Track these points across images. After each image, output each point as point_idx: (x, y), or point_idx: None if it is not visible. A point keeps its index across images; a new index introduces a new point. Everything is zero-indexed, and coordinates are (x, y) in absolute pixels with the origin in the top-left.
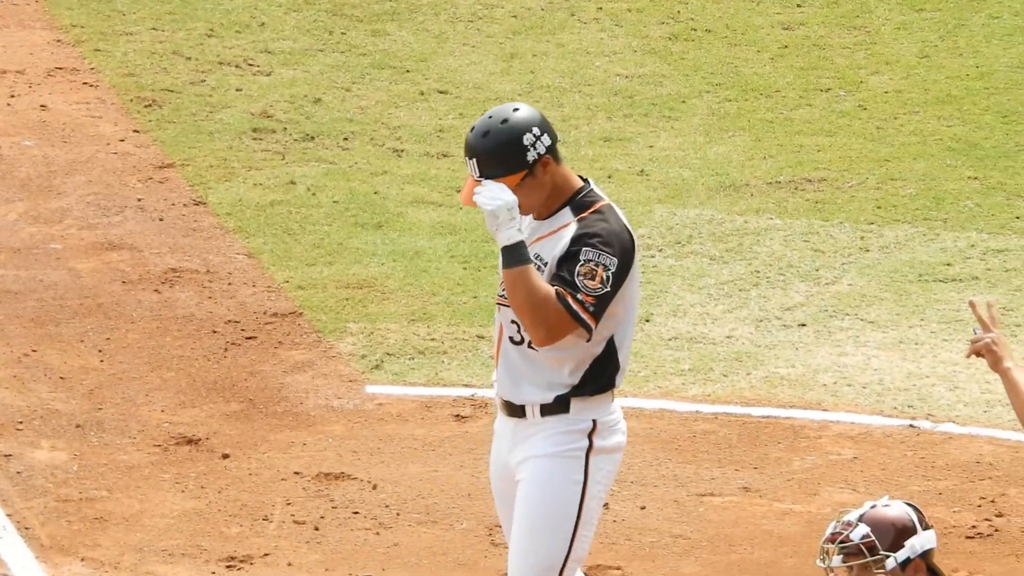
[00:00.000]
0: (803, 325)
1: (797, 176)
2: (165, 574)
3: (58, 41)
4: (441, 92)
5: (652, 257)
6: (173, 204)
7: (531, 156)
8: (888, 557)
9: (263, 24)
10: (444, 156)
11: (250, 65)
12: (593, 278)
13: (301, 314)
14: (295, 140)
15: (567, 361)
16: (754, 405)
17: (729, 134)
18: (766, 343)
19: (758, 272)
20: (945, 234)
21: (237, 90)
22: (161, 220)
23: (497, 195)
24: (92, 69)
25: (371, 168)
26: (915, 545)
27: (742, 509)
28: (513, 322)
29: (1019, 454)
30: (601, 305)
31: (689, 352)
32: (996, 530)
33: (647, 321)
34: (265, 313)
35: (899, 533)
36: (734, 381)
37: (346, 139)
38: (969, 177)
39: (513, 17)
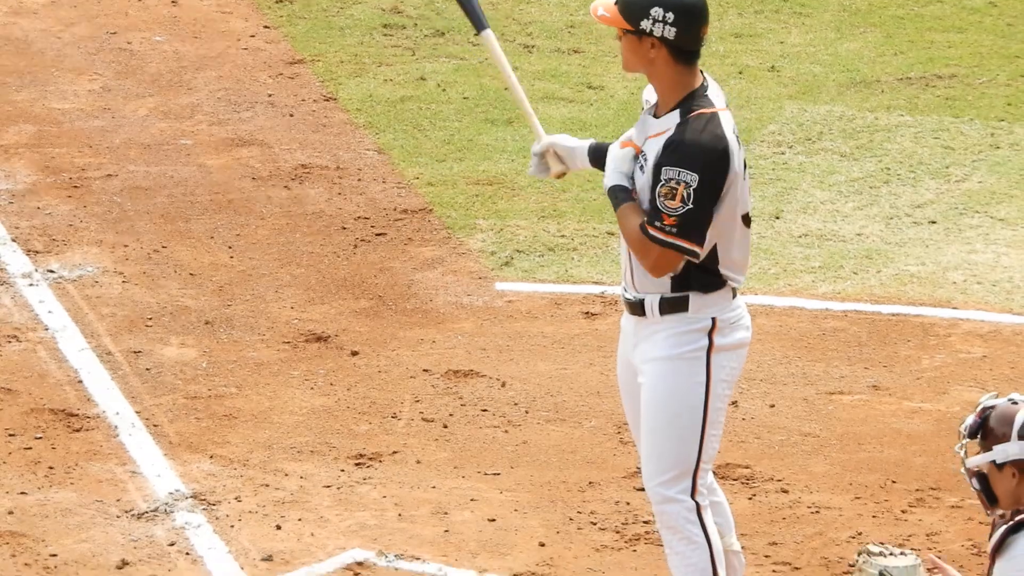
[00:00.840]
0: (933, 222)
1: (928, 72)
2: (294, 471)
3: None
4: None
5: (783, 153)
6: (303, 100)
7: (645, 25)
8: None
9: None
10: (575, 52)
11: None
12: (673, 197)
13: (431, 210)
14: (425, 36)
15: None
16: (884, 303)
17: (860, 30)
18: (896, 240)
19: (888, 169)
20: None
21: None
22: (291, 116)
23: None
24: None
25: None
26: (1000, 451)
27: (871, 407)
28: None
29: None
30: (687, 223)
31: (819, 249)
32: None
33: (777, 218)
34: (395, 209)
35: (994, 435)
36: (864, 278)
37: (476, 35)
38: None
39: None
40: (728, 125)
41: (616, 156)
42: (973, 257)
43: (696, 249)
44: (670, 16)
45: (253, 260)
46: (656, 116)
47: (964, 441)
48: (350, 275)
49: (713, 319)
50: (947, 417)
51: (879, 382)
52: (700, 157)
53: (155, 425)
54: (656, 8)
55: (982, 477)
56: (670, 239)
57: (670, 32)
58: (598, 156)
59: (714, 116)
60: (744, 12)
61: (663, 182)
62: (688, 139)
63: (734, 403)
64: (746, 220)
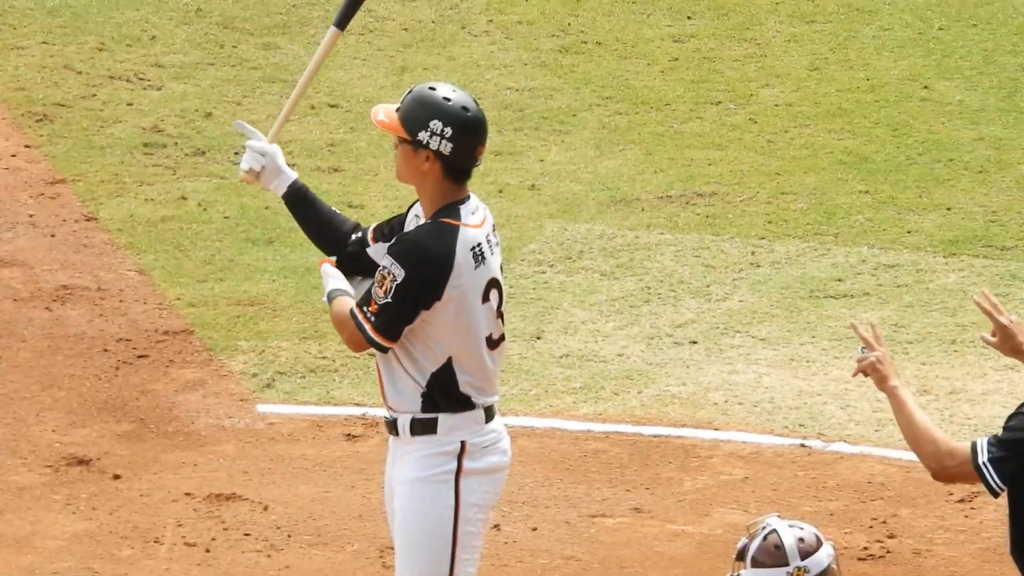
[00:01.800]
0: (694, 342)
1: (688, 190)
2: None
3: None
4: (332, 106)
5: (543, 273)
6: (64, 220)
7: (422, 137)
8: None
9: (154, 38)
10: (335, 171)
11: (141, 79)
12: (380, 286)
13: (192, 332)
14: (186, 155)
15: (410, 371)
16: (645, 424)
17: (620, 148)
18: (657, 360)
19: (649, 288)
20: (836, 249)
21: (128, 104)
22: (53, 236)
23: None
24: None
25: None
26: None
27: (634, 530)
28: None
29: (910, 474)
30: (384, 316)
31: (580, 370)
32: (888, 551)
33: (538, 339)
34: (156, 331)
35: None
36: (625, 399)
37: (237, 153)
38: (860, 191)
39: (404, 30)
40: (465, 242)
41: (329, 274)
42: (734, 377)
43: (382, 343)
44: (448, 131)
45: (14, 383)
46: None
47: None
48: (112, 397)
49: (462, 443)
50: (710, 540)
51: (641, 504)
52: (414, 257)
53: None
54: (435, 121)
55: None
56: (365, 324)
57: (446, 147)
58: (297, 196)
59: (453, 229)
60: (504, 129)
61: (380, 267)
62: (413, 237)
63: (496, 526)
64: (490, 342)
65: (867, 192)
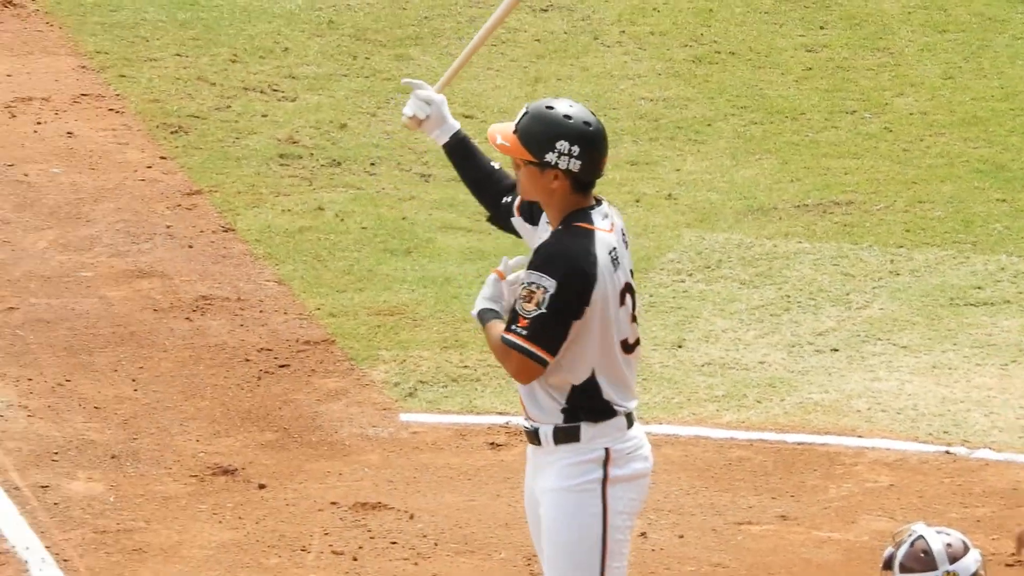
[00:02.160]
0: (835, 350)
1: (825, 199)
2: None
3: (83, 67)
4: (466, 116)
5: (682, 282)
6: (202, 231)
7: (549, 158)
8: None
9: (287, 49)
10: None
11: (275, 91)
12: (530, 300)
13: (333, 341)
14: (322, 166)
15: (551, 388)
16: (789, 431)
17: (756, 157)
18: (799, 368)
19: (788, 296)
20: (975, 257)
21: (263, 116)
22: (190, 247)
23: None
24: (117, 96)
25: (399, 193)
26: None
27: (780, 537)
28: None
29: None
30: (538, 327)
31: (722, 378)
32: None
33: (679, 347)
34: (297, 341)
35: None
36: (768, 407)
37: (373, 164)
38: (997, 199)
39: (537, 41)
40: (603, 245)
41: (486, 284)
42: (876, 385)
43: (544, 357)
44: (576, 149)
45: (157, 393)
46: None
47: None
48: (255, 407)
49: (606, 449)
50: (856, 547)
51: (787, 512)
52: (562, 266)
53: (65, 560)
54: (562, 142)
55: None
56: (518, 340)
57: (575, 165)
58: (459, 146)
59: (589, 233)
60: (639, 139)
61: (524, 285)
62: (555, 247)
63: (642, 534)
64: (626, 347)
65: (1004, 200)
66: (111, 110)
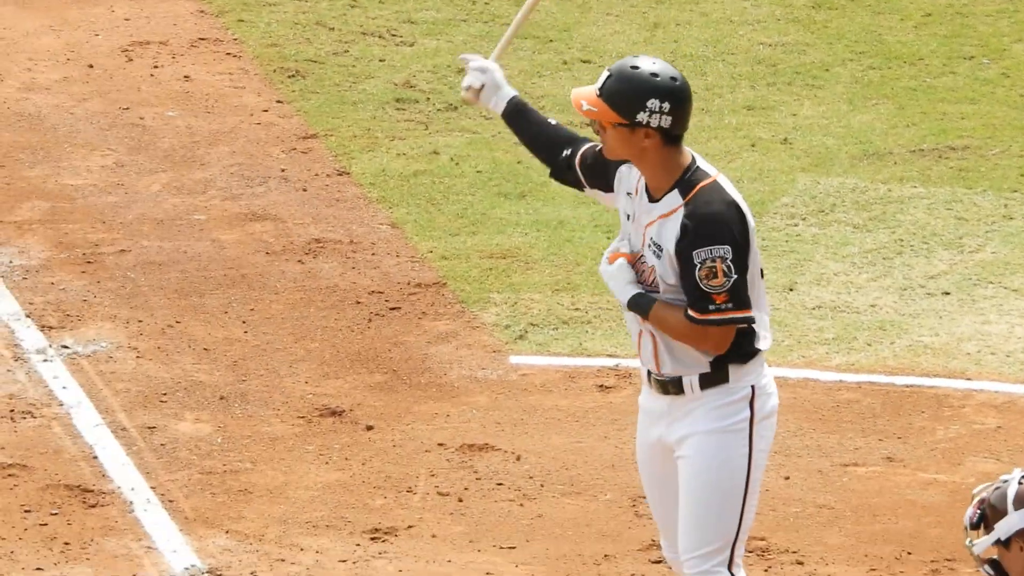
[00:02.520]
0: (947, 293)
1: (940, 144)
2: (310, 546)
3: (201, 12)
4: (584, 61)
5: (795, 226)
6: (316, 174)
7: (641, 117)
8: (971, 545)
9: None
10: (588, 125)
11: (393, 35)
12: (715, 275)
13: (445, 284)
14: (438, 110)
15: None
16: (898, 374)
17: (872, 102)
18: (910, 312)
19: (901, 240)
20: None
21: (380, 60)
22: (304, 190)
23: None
24: (235, 40)
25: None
26: (1002, 527)
27: (886, 479)
28: None
29: None
30: (736, 294)
31: (833, 321)
32: None
33: (791, 290)
34: (409, 283)
35: (993, 514)
36: (878, 350)
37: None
38: None
39: None
40: (730, 187)
41: (612, 274)
42: (987, 328)
43: (750, 315)
44: (666, 106)
45: (267, 335)
46: (652, 200)
47: (970, 535)
48: (364, 349)
49: (752, 387)
50: (962, 488)
51: (893, 454)
52: (725, 228)
53: (170, 500)
54: (653, 100)
55: (994, 564)
56: (728, 316)
57: (666, 121)
58: (515, 112)
59: (715, 184)
60: (756, 85)
61: (698, 265)
62: (706, 215)
63: None
64: (762, 273)
65: None
66: (228, 54)
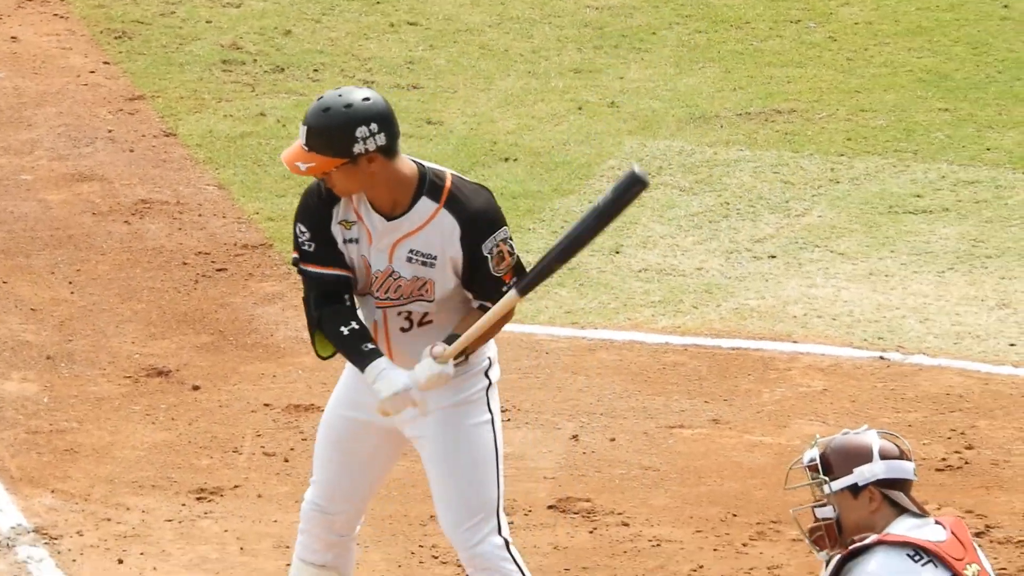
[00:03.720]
0: (773, 257)
1: (767, 107)
2: (136, 505)
3: None
4: (411, 24)
5: None
6: (143, 135)
7: (358, 148)
8: (825, 482)
9: None
10: (415, 88)
11: None
12: (503, 257)
13: (271, 246)
14: (265, 72)
15: (461, 312)
16: (724, 337)
17: (699, 65)
18: (736, 275)
19: (728, 204)
20: (915, 165)
21: (207, 22)
22: (131, 151)
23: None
24: (62, 1)
25: None
26: (864, 472)
27: (711, 441)
28: (400, 314)
29: (989, 386)
30: (521, 267)
31: (659, 284)
32: (966, 462)
33: (616, 253)
34: (235, 245)
35: (850, 459)
36: (704, 313)
37: (316, 71)
38: (939, 108)
39: None
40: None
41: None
42: (813, 291)
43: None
44: (374, 126)
45: (94, 295)
46: (392, 217)
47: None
48: (191, 310)
49: (489, 358)
50: (787, 450)
51: (719, 416)
52: (495, 211)
53: None
54: (361, 128)
55: (827, 527)
56: (523, 289)
57: (381, 139)
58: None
59: (457, 179)
60: (583, 47)
61: (489, 257)
62: (475, 207)
63: (574, 437)
64: None
65: (946, 110)
66: (56, 15)
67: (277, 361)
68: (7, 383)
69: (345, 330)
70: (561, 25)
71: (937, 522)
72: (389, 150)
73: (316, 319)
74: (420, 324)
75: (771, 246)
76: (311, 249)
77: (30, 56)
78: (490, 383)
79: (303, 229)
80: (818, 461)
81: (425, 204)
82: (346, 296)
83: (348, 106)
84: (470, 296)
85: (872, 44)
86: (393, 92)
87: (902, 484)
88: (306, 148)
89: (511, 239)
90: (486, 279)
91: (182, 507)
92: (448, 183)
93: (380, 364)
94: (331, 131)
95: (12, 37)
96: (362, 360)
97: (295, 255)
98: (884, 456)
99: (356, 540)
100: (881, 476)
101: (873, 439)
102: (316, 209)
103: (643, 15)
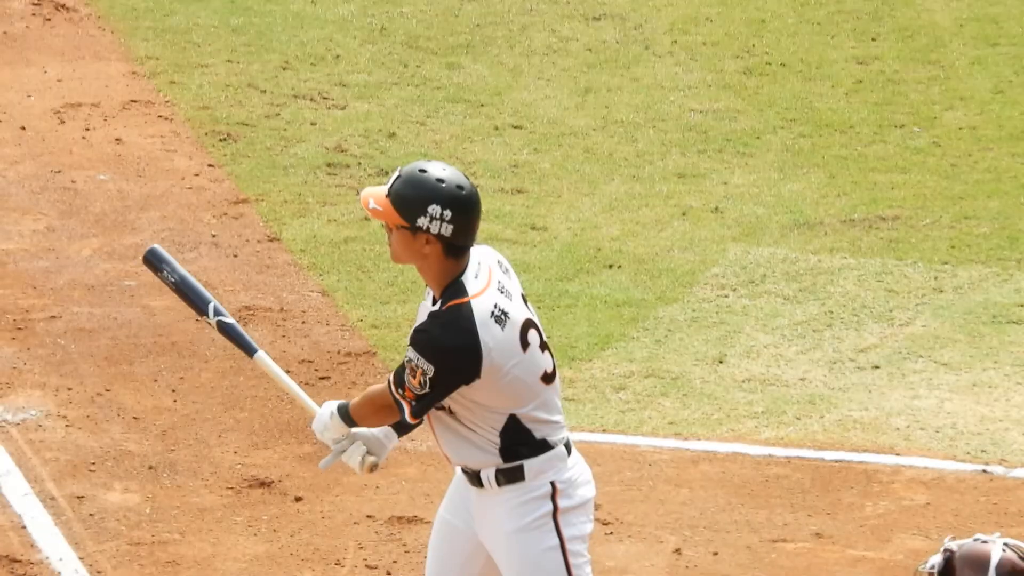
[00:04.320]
0: (876, 367)
1: (871, 214)
2: None
3: (133, 73)
4: (515, 127)
5: (726, 296)
6: (247, 240)
7: (421, 222)
8: None
9: (338, 57)
10: (518, 192)
11: (325, 98)
12: (414, 376)
13: (375, 354)
14: (369, 175)
15: (479, 430)
16: (827, 449)
17: (803, 171)
18: (839, 385)
19: (831, 312)
20: (1019, 275)
21: (312, 124)
22: (235, 256)
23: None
24: (167, 102)
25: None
26: None
27: (815, 555)
28: None
29: None
30: (423, 404)
31: (762, 394)
32: None
33: (720, 362)
34: (339, 352)
35: (966, 568)
36: (807, 424)
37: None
38: None
39: (588, 51)
40: (483, 313)
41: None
42: (916, 403)
43: (414, 424)
44: (448, 214)
45: (196, 404)
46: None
47: None
48: (294, 419)
49: (552, 483)
50: (890, 566)
51: (822, 530)
52: (437, 352)
53: (98, 572)
54: (434, 206)
55: None
56: (404, 405)
57: (447, 229)
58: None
59: (466, 307)
60: (687, 152)
61: (408, 359)
62: (431, 332)
63: (677, 551)
64: (546, 378)
65: None
66: (160, 116)
67: (380, 472)
68: (110, 493)
69: None
70: (665, 128)
71: None
72: (450, 245)
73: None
74: (447, 412)
75: (875, 356)
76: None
77: (134, 159)
78: (556, 508)
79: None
80: (936, 568)
81: (435, 303)
82: None
83: (440, 181)
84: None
85: (976, 150)
86: (497, 196)
87: None
88: (387, 193)
89: (436, 379)
90: (402, 366)
91: None
92: (452, 303)
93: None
94: (409, 190)
95: (117, 139)
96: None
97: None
98: (1001, 571)
99: None
100: None
101: (994, 551)
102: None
103: (747, 119)
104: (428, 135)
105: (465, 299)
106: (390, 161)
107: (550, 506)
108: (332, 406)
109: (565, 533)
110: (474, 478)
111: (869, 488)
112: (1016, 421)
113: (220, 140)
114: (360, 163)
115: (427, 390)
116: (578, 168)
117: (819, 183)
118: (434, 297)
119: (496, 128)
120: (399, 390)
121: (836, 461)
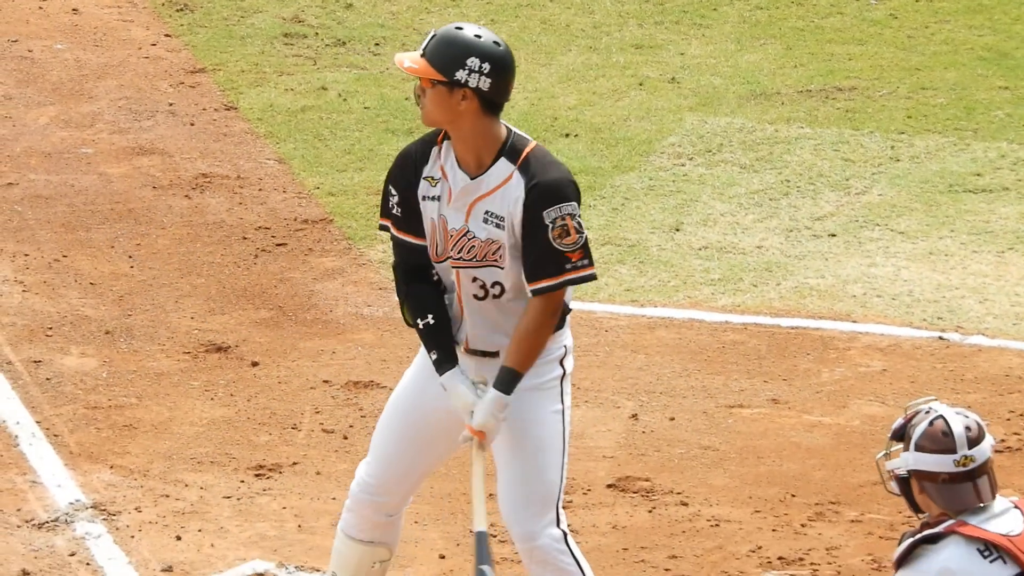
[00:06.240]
0: (833, 235)
1: (828, 85)
2: (195, 482)
3: None
4: None
5: (683, 165)
6: (204, 109)
7: (459, 75)
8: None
9: None
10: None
11: None
12: (568, 233)
13: (331, 221)
14: (326, 45)
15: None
16: (783, 316)
17: (760, 42)
18: (796, 253)
19: (788, 181)
20: (976, 144)
21: None
22: (192, 125)
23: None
24: None
25: (402, 74)
26: (905, 460)
27: (771, 421)
28: (475, 280)
29: None
30: (588, 249)
31: (719, 262)
32: None
33: (677, 230)
34: (295, 219)
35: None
36: (764, 291)
37: (377, 44)
38: (1000, 87)
39: None
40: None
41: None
42: (873, 270)
43: (595, 272)
44: (486, 67)
45: (153, 270)
46: (473, 176)
47: (891, 447)
48: (250, 285)
49: (565, 346)
50: (847, 431)
51: (778, 396)
52: (567, 186)
53: (55, 435)
54: (472, 59)
55: (902, 482)
56: (583, 273)
57: (485, 83)
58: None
59: (540, 148)
60: (644, 23)
61: (550, 226)
62: (548, 176)
63: (633, 416)
64: None
65: (1007, 88)
66: None
67: (336, 337)
68: (66, 358)
69: (421, 323)
70: (622, 0)
71: (1016, 507)
72: (488, 101)
73: (403, 294)
74: (493, 296)
75: (831, 224)
76: (400, 214)
77: (91, 28)
78: (564, 372)
79: (393, 192)
80: (894, 431)
81: (503, 165)
82: (432, 271)
83: (477, 36)
84: (524, 281)
85: (933, 22)
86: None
87: (933, 476)
88: (422, 53)
89: (580, 218)
90: (543, 250)
91: (240, 484)
92: (528, 149)
93: (450, 379)
94: (447, 46)
95: (73, 9)
96: (435, 365)
97: (383, 222)
98: (916, 447)
99: (404, 516)
100: (913, 467)
101: (917, 428)
102: (409, 172)
103: None
104: (385, 6)
105: (533, 144)
106: (347, 31)
107: (560, 370)
108: (493, 394)
109: (565, 399)
110: (492, 354)
111: (825, 355)
112: (972, 289)
113: (177, 11)
114: (317, 33)
115: (584, 232)
116: (535, 39)
117: (776, 54)
118: (482, 167)
119: None
120: (567, 268)
121: (792, 328)
